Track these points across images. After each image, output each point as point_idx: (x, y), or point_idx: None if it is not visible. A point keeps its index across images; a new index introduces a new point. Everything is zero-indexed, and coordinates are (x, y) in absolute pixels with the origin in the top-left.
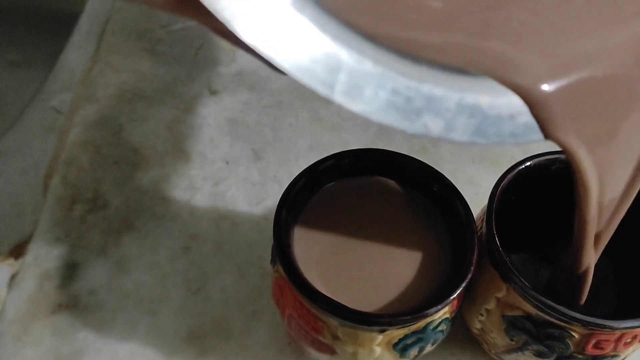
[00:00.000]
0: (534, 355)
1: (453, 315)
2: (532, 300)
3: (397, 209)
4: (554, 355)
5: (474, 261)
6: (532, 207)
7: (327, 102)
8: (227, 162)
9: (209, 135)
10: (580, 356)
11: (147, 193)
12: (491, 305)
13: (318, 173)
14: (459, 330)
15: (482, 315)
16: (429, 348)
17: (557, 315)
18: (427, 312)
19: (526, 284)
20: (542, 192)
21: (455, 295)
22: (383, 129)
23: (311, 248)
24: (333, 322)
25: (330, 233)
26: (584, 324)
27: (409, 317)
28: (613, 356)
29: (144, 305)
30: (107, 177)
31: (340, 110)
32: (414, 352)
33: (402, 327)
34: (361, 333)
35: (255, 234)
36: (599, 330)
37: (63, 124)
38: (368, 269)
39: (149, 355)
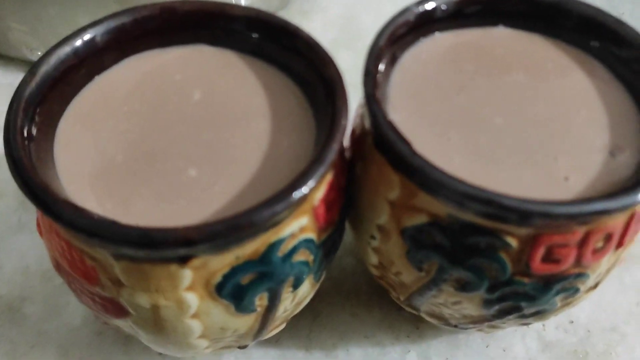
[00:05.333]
0: (456, 289)
1: (324, 236)
2: (437, 186)
3: (233, 88)
4: (485, 284)
5: (336, 138)
6: None
7: None
8: None
9: None
10: (525, 280)
11: None
12: (383, 216)
13: (97, 47)
14: (363, 283)
15: (374, 238)
16: (290, 294)
17: (479, 205)
18: (253, 217)
19: (423, 158)
20: None
21: (306, 191)
22: None
23: (85, 156)
24: (102, 254)
25: (122, 130)
26: (523, 215)
27: (219, 227)
28: (577, 276)
29: None
30: None
31: None
32: (260, 299)
33: (218, 250)
34: (151, 268)
35: None
36: (549, 225)
37: None
38: (184, 177)
39: None
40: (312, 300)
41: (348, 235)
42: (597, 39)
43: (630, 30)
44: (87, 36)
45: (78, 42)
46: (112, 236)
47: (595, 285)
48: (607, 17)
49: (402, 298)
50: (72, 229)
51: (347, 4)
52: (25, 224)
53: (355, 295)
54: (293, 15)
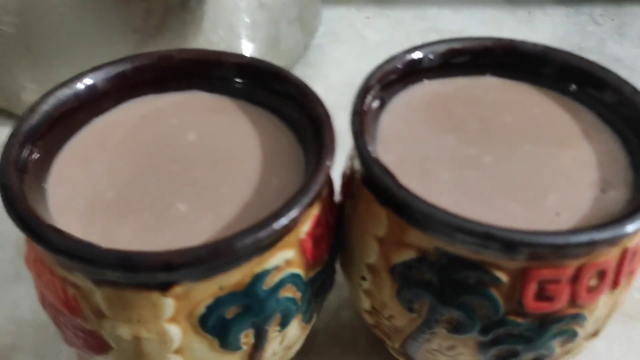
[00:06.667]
0: (449, 331)
1: (312, 274)
2: (422, 217)
3: (227, 131)
4: (477, 325)
5: (322, 169)
6: None
7: None
8: None
9: None
10: (519, 319)
11: None
12: (373, 255)
13: (97, 91)
14: (360, 336)
15: (364, 279)
16: (277, 333)
17: (464, 235)
18: (236, 243)
19: (408, 190)
20: None
21: (288, 220)
22: None
23: (77, 192)
24: (83, 281)
25: (116, 168)
26: (508, 245)
27: (201, 252)
28: (574, 317)
29: None
30: None
31: None
32: (246, 336)
33: (200, 277)
34: (133, 295)
35: None
36: (537, 256)
37: None
38: (172, 211)
39: None
40: (308, 353)
41: (345, 289)
42: (582, 86)
43: (614, 76)
44: (88, 80)
45: (79, 85)
46: (92, 258)
47: (595, 333)
48: (591, 64)
49: (396, 346)
50: (53, 251)
51: (348, 71)
52: (22, 275)
53: (352, 348)
54: None
